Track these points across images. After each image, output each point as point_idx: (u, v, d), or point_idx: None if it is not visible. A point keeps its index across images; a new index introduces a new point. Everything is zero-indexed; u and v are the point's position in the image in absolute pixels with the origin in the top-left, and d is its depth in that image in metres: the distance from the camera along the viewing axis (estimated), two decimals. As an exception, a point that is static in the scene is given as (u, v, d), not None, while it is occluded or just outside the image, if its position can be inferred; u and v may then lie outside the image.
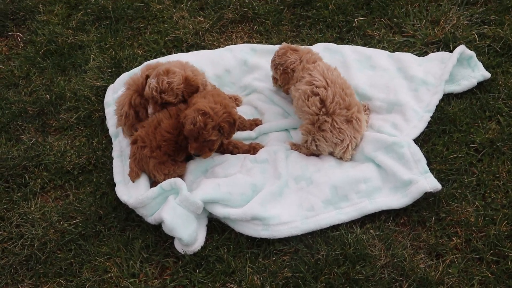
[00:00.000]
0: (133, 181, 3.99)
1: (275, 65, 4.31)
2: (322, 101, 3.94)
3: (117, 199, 4.03)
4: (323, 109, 3.94)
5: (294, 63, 4.20)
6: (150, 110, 4.10)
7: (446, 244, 3.57)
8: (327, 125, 3.93)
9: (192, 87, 4.04)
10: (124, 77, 4.71)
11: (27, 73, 5.14)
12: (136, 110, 4.21)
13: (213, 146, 3.93)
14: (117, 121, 4.35)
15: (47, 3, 5.76)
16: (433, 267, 3.47)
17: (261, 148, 4.18)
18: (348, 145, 3.97)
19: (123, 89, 4.35)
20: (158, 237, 3.84)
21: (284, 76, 4.25)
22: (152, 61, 4.82)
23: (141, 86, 4.15)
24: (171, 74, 3.99)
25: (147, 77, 4.07)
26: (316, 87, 3.98)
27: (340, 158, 4.05)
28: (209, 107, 3.83)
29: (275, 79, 4.44)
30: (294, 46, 4.34)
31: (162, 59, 4.85)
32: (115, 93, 4.62)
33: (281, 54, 4.28)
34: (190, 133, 3.83)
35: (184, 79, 4.00)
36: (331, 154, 4.07)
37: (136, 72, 4.53)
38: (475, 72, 4.37)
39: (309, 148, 4.06)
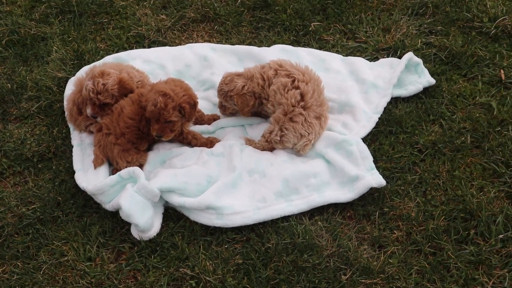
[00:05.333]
0: (95, 168, 4.11)
1: (224, 93, 4.32)
2: (302, 96, 4.11)
3: (75, 186, 4.11)
4: (302, 103, 4.10)
5: (244, 85, 4.25)
6: (88, 111, 4.22)
7: (388, 237, 3.76)
8: (301, 117, 4.08)
9: (125, 89, 4.19)
10: (82, 71, 4.78)
11: (-12, 62, 5.20)
12: (79, 108, 4.34)
13: (174, 127, 4.06)
14: (67, 116, 4.49)
15: (10, -6, 5.82)
16: (375, 257, 3.65)
17: (218, 142, 4.33)
18: (312, 139, 4.13)
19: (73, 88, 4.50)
20: (114, 223, 3.94)
21: (242, 100, 4.27)
22: (109, 57, 4.97)
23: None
24: (106, 76, 4.14)
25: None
26: (297, 80, 4.13)
27: (298, 152, 4.19)
28: (170, 88, 3.98)
29: (224, 107, 4.46)
30: (235, 71, 4.39)
31: (123, 54, 4.99)
32: (74, 87, 4.72)
33: (228, 81, 4.31)
34: (151, 114, 3.97)
35: (118, 81, 4.15)
36: (292, 146, 4.20)
37: (93, 65, 4.64)
38: (421, 78, 4.61)
39: (270, 141, 4.18)
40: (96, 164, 4.13)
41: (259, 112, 4.50)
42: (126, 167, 4.04)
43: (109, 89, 4.12)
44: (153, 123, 4.03)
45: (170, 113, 3.96)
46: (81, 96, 4.26)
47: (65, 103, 4.59)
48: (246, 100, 4.28)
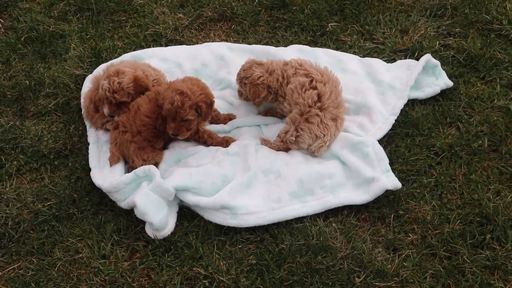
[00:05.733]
0: (111, 165, 4.12)
1: (240, 79, 4.40)
2: (319, 96, 4.11)
3: (91, 184, 4.14)
4: (318, 104, 4.11)
5: (261, 76, 4.30)
6: (105, 110, 4.24)
7: (403, 240, 3.75)
8: (317, 118, 4.09)
9: (141, 87, 4.21)
10: (100, 69, 4.82)
11: (7, 59, 5.22)
12: (95, 105, 4.36)
13: (190, 126, 4.08)
14: (84, 113, 4.52)
15: (29, -9, 5.87)
16: (390, 260, 3.64)
17: (233, 141, 4.33)
18: (327, 141, 4.13)
19: (90, 86, 4.53)
20: (129, 221, 3.95)
21: (254, 90, 4.32)
22: (127, 55, 4.99)
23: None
24: (121, 74, 4.16)
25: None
26: (315, 81, 4.14)
27: (313, 153, 4.19)
28: (187, 87, 3.99)
29: (240, 92, 4.53)
30: (259, 60, 4.45)
31: (140, 52, 5.01)
32: (92, 84, 4.75)
33: (246, 68, 4.38)
34: (168, 112, 3.99)
35: (133, 78, 4.17)
36: (307, 147, 4.19)
37: (111, 63, 4.67)
38: (439, 80, 4.59)
39: (285, 141, 4.18)
40: (112, 161, 4.15)
41: (274, 112, 4.50)
42: (141, 165, 4.06)
43: (124, 88, 4.14)
44: (170, 122, 4.05)
45: (187, 111, 3.98)
46: (98, 94, 4.28)
47: (82, 100, 4.62)
48: (258, 91, 4.31)
